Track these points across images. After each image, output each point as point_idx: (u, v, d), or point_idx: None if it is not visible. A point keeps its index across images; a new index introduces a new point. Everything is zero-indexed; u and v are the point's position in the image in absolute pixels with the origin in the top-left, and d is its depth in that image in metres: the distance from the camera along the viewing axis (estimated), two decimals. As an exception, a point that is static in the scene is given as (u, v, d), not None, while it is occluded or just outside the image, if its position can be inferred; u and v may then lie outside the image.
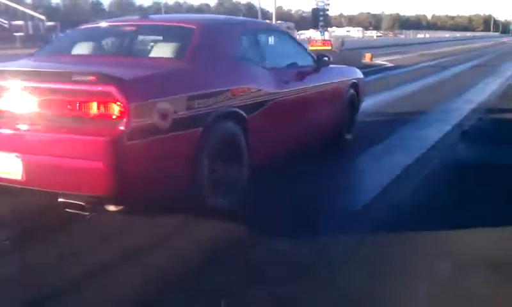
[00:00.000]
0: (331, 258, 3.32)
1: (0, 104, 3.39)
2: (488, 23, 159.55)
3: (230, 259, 3.33)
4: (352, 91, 6.37)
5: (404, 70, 18.17)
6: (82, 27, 4.95)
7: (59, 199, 3.26)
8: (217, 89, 3.89)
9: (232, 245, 3.51)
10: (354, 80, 6.47)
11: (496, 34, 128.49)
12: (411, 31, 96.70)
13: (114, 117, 3.12)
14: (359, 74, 6.75)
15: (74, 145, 3.15)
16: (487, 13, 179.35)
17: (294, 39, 5.74)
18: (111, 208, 3.53)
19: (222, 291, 2.84)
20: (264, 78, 4.50)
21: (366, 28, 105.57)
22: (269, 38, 5.22)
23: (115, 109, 3.11)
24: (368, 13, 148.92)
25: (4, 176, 3.34)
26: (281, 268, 3.19)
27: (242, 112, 4.06)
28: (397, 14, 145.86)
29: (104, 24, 4.90)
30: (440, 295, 2.90)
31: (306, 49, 5.78)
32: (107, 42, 4.55)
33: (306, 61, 5.47)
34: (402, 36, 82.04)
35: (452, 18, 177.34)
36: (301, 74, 5.19)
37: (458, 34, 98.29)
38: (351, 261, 3.28)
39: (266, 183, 4.56)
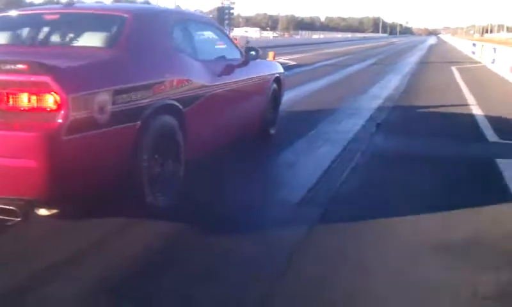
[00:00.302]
0: (277, 251, 3.24)
1: None
2: (377, 24, 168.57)
3: (172, 259, 3.15)
4: (275, 85, 6.36)
5: (307, 68, 18.59)
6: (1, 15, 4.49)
7: (-15, 204, 2.91)
8: (154, 81, 3.68)
9: (173, 244, 3.34)
10: (277, 75, 6.46)
11: (385, 35, 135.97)
12: (306, 32, 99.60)
13: (49, 110, 2.84)
14: (280, 68, 6.76)
15: (2, 142, 2.81)
16: (376, 15, 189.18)
17: (222, 31, 5.61)
18: (44, 212, 3.24)
19: (164, 293, 2.66)
20: (198, 71, 4.34)
21: (263, 29, 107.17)
22: (200, 30, 5.05)
23: (50, 100, 2.83)
24: (265, 14, 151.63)
25: None
26: (225, 265, 3.07)
27: (179, 105, 3.88)
28: (292, 15, 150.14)
29: (25, 12, 4.50)
30: (395, 280, 2.93)
31: (233, 42, 5.67)
32: (32, 31, 4.14)
33: (235, 54, 5.38)
34: (298, 37, 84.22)
35: (344, 19, 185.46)
36: (232, 67, 5.09)
37: (350, 35, 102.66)
38: (299, 252, 3.22)
39: (200, 180, 4.43)
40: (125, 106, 3.32)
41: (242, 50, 5.56)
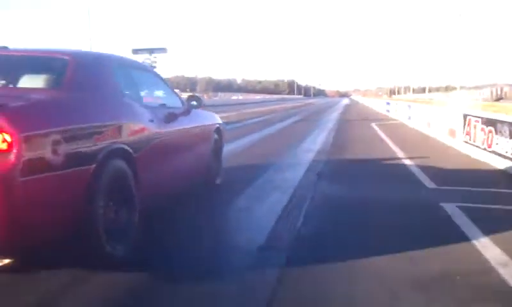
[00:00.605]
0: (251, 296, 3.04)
1: None
2: (292, 86, 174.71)
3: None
4: (216, 135, 6.27)
5: (237, 125, 18.69)
6: None
7: None
8: (104, 123, 3.53)
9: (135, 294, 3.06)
10: (218, 125, 6.39)
11: (301, 96, 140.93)
12: (224, 93, 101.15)
13: (1, 150, 2.57)
14: (219, 119, 6.69)
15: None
16: (290, 78, 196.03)
17: (162, 79, 5.48)
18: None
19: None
20: (145, 116, 4.20)
21: (183, 90, 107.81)
22: (141, 76, 4.90)
23: (2, 140, 2.58)
24: (183, 76, 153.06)
25: None
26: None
27: (129, 149, 3.70)
28: (210, 77, 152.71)
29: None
30: None
31: (173, 90, 5.53)
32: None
33: (176, 102, 5.27)
34: (217, 98, 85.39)
35: (260, 82, 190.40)
36: (175, 115, 4.95)
37: (268, 96, 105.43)
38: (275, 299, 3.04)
39: (155, 229, 4.21)
40: (79, 147, 3.13)
41: (183, 99, 5.48)
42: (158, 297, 3.04)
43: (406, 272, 3.53)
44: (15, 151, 2.60)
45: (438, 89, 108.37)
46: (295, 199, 5.67)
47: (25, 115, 2.85)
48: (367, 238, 4.28)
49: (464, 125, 10.82)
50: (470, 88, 71.62)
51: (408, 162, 9.08)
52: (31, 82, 3.69)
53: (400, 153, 10.31)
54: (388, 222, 4.88)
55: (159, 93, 5.19)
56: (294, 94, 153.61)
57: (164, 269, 3.47)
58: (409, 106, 21.59)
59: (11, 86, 3.74)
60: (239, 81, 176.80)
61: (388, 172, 8.21)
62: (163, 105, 4.96)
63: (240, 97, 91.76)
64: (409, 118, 20.45)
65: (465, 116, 10.91)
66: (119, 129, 3.68)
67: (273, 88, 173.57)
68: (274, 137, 14.41)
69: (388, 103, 32.03)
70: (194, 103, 5.50)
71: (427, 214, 5.24)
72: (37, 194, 2.74)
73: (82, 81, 3.66)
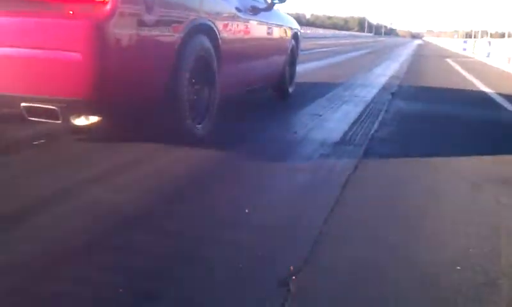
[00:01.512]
0: (331, 178, 3.02)
1: None
2: (363, 24, 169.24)
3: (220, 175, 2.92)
4: (293, 42, 6.14)
5: (309, 51, 18.37)
6: None
7: (22, 104, 2.64)
8: None
9: (219, 164, 3.11)
10: (296, 31, 6.25)
11: (371, 34, 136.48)
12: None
13: (96, 0, 2.57)
14: (297, 25, 6.53)
15: (45, 31, 2.55)
16: (361, 16, 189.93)
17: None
18: (81, 121, 2.98)
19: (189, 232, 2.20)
20: (233, 1, 4.13)
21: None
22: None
23: None
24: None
25: None
26: (285, 188, 2.85)
27: (215, 28, 3.65)
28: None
29: None
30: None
31: None
32: None
33: (259, -4, 5.15)
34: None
35: (330, 18, 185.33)
36: (259, 9, 4.84)
37: (337, 32, 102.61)
38: (354, 177, 3.01)
39: (232, 118, 4.25)
40: (169, 14, 3.09)
41: None
42: (236, 171, 3.08)
43: (488, 170, 3.43)
44: (110, 2, 2.58)
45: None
46: (369, 110, 5.55)
47: None
48: (447, 144, 4.17)
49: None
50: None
51: (486, 89, 8.72)
52: None
53: (478, 83, 9.90)
54: (468, 131, 4.78)
55: None
56: (364, 32, 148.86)
57: (243, 150, 3.50)
58: (489, 42, 20.49)
59: None
60: (308, 16, 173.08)
61: (467, 96, 7.95)
62: None
63: (309, 31, 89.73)
64: (488, 55, 19.47)
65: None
66: (209, 6, 3.63)
67: (342, 25, 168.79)
68: (345, 63, 14.08)
69: (465, 42, 30.57)
70: (277, 1, 5.33)
71: (509, 130, 5.05)
72: (128, 51, 2.76)
73: None
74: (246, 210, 2.35)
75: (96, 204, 2.32)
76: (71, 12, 2.55)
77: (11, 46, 2.57)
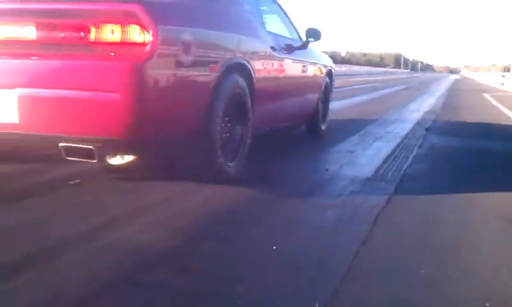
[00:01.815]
0: (362, 214, 3.03)
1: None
2: (398, 60, 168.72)
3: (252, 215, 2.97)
4: (327, 78, 6.22)
5: (341, 89, 18.44)
6: None
7: (60, 144, 2.76)
8: (231, 34, 3.56)
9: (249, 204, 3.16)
10: (330, 68, 6.32)
11: (407, 70, 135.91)
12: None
13: (136, 41, 2.68)
14: (332, 63, 6.61)
15: (86, 72, 2.67)
16: (397, 52, 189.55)
17: (284, 10, 5.40)
18: (117, 161, 3.09)
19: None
20: (268, 42, 4.25)
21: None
22: (265, 4, 4.90)
23: (138, 32, 2.66)
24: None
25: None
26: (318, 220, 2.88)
27: (249, 67, 3.74)
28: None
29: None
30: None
31: (292, 22, 5.49)
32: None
33: (294, 35, 5.26)
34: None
35: (365, 54, 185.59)
36: (293, 47, 4.95)
37: (373, 69, 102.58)
38: (386, 212, 3.01)
39: (265, 157, 4.31)
40: (207, 52, 3.19)
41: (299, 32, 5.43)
42: (266, 210, 3.12)
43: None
44: (150, 43, 2.66)
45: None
46: (403, 146, 5.53)
47: (163, 8, 2.90)
48: (479, 179, 4.12)
49: None
50: None
51: (524, 124, 8.57)
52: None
53: (515, 117, 9.74)
54: (503, 170, 4.69)
55: (279, 22, 5.14)
56: (399, 68, 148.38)
57: (271, 188, 3.54)
58: (527, 76, 20.14)
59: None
60: (343, 54, 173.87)
61: (504, 131, 7.82)
62: (283, 36, 4.94)
63: (343, 68, 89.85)
64: (528, 89, 19.12)
65: None
66: (242, 43, 3.71)
67: (378, 61, 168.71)
68: (379, 100, 14.06)
69: (503, 76, 30.11)
70: (312, 39, 5.41)
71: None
72: (165, 92, 2.85)
73: None
74: (274, 247, 2.39)
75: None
76: (112, 54, 2.67)
77: (54, 87, 2.69)
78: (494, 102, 14.71)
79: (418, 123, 7.96)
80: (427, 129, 7.23)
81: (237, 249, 2.39)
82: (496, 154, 5.49)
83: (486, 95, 18.63)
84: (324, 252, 2.38)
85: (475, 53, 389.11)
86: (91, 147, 2.72)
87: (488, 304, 1.87)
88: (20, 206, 2.86)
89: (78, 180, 3.40)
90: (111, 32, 2.66)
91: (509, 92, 22.55)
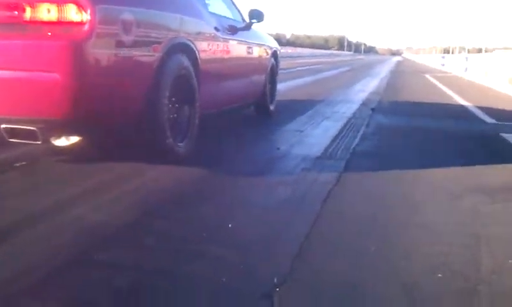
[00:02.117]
0: (313, 192, 3.04)
1: None
2: (342, 43, 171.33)
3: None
4: (273, 60, 6.20)
5: (289, 70, 18.54)
6: None
7: (2, 126, 2.64)
8: (174, 14, 3.48)
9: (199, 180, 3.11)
10: (275, 49, 6.31)
11: (351, 52, 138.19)
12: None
13: (74, 20, 2.59)
14: (276, 44, 6.59)
15: (23, 52, 2.56)
16: (341, 34, 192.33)
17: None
18: (62, 142, 2.97)
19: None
20: (212, 22, 4.17)
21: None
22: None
23: (75, 11, 2.59)
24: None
25: None
26: (268, 198, 2.87)
27: (194, 47, 3.68)
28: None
29: None
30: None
31: (234, 3, 5.42)
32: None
33: (237, 16, 5.20)
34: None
35: (309, 37, 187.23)
36: (237, 28, 4.90)
37: (317, 51, 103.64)
38: (337, 188, 3.04)
39: (211, 136, 4.24)
40: (149, 32, 3.12)
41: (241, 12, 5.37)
42: (216, 187, 3.08)
43: (466, 180, 3.47)
44: (88, 23, 2.60)
45: (494, 50, 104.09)
46: (350, 125, 5.61)
47: None
48: (426, 157, 4.21)
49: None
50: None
51: (464, 103, 8.86)
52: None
53: (456, 97, 10.05)
54: (447, 145, 4.84)
55: (221, 3, 5.06)
56: (343, 50, 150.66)
57: (223, 168, 3.52)
58: (466, 58, 20.87)
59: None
60: (288, 36, 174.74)
61: (446, 109, 8.07)
62: (226, 17, 4.88)
63: (289, 50, 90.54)
64: (466, 69, 19.81)
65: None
66: (185, 23, 3.64)
67: (322, 44, 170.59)
68: (325, 81, 14.23)
69: (443, 57, 31.09)
70: (255, 20, 5.37)
71: (488, 141, 5.14)
72: (106, 71, 2.78)
73: None
74: (230, 225, 2.36)
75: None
76: (49, 33, 2.57)
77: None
78: (435, 82, 15.16)
79: (364, 104, 8.10)
80: (372, 109, 7.36)
81: (191, 227, 2.36)
82: (439, 132, 5.63)
83: (427, 76, 19.17)
84: (278, 230, 2.37)
85: (417, 35, 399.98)
86: (33, 128, 2.61)
87: (440, 275, 1.91)
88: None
89: (24, 162, 3.27)
90: (47, 12, 2.57)
91: (448, 73, 23.27)
